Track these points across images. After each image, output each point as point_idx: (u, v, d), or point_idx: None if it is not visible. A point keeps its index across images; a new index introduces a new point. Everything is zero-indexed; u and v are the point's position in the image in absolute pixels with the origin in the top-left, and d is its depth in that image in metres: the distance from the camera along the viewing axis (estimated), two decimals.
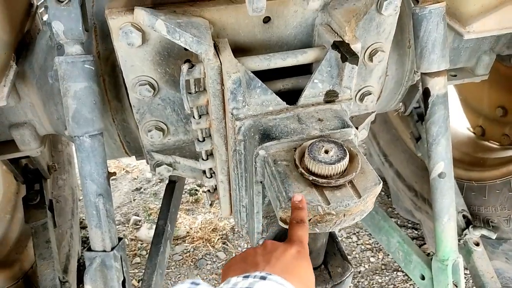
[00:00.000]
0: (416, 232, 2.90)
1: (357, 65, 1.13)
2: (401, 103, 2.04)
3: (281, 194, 0.96)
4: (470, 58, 1.92)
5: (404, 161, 2.69)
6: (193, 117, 1.24)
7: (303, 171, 0.96)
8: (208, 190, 1.57)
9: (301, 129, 1.08)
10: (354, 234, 2.85)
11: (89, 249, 1.31)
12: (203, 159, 1.40)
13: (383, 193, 3.15)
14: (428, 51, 1.42)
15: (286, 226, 0.99)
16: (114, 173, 1.34)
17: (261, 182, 1.13)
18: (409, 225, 2.92)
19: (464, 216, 2.05)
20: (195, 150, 1.37)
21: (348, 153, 0.98)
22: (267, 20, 1.26)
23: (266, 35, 1.29)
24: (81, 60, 1.15)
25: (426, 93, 1.50)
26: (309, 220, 0.95)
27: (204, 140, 1.33)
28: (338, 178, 0.95)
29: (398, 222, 2.94)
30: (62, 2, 1.11)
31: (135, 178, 3.15)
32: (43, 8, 2.10)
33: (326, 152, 0.97)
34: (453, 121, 2.74)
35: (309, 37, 1.34)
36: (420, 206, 2.58)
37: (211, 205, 1.58)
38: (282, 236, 1.36)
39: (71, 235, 2.25)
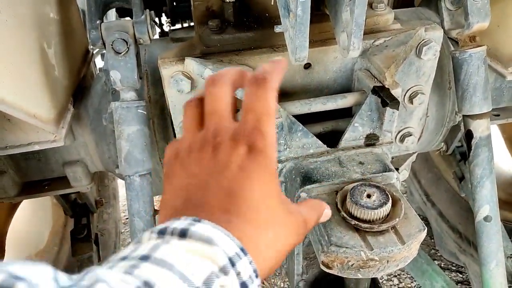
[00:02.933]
0: (461, 275, 2.75)
1: (397, 109, 1.15)
2: (442, 143, 2.02)
3: (323, 238, 0.97)
4: None
5: (447, 201, 2.61)
6: None
7: (345, 215, 0.97)
8: None
9: (342, 172, 1.10)
10: (395, 276, 2.74)
11: None
12: None
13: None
14: (469, 94, 1.42)
15: (328, 270, 0.99)
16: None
17: None
18: (453, 268, 2.79)
19: None
20: None
21: (390, 198, 0.98)
22: (307, 66, 1.31)
23: (307, 80, 1.34)
24: (135, 105, 1.24)
25: (469, 135, 1.49)
26: (352, 265, 0.95)
27: None
28: (381, 223, 0.95)
29: (442, 265, 2.81)
30: (120, 53, 1.21)
31: None
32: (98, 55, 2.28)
33: (368, 196, 0.98)
34: (498, 161, 2.65)
35: (348, 81, 1.38)
36: (465, 249, 2.47)
37: None
38: (323, 279, 1.35)
39: None
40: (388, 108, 1.14)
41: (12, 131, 1.41)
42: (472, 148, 1.49)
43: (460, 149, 2.32)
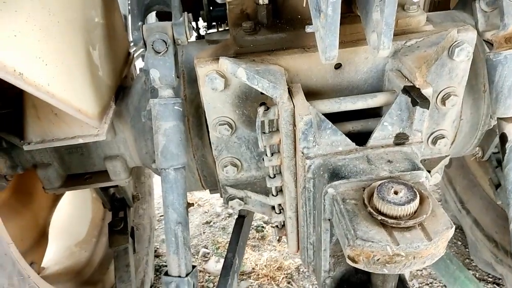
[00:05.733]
0: None
1: (428, 109, 1.15)
2: (478, 148, 1.98)
3: (349, 232, 1.00)
4: None
5: (483, 208, 2.53)
6: (266, 154, 1.33)
7: (371, 210, 0.99)
8: (277, 226, 1.63)
9: (370, 169, 1.12)
10: (427, 284, 2.68)
11: (166, 274, 1.41)
12: (273, 195, 1.47)
13: (459, 243, 2.95)
14: (504, 96, 1.39)
15: (354, 265, 1.01)
16: (192, 204, 1.46)
17: (329, 219, 1.17)
18: (490, 279, 2.69)
19: None
20: (266, 186, 1.45)
21: (418, 195, 0.99)
22: (338, 66, 1.34)
23: (337, 80, 1.37)
24: (172, 102, 1.31)
25: (503, 138, 1.46)
26: (378, 260, 0.96)
27: (275, 176, 1.41)
28: (408, 219, 0.96)
29: (477, 275, 2.72)
30: (159, 53, 1.29)
31: (206, 212, 3.30)
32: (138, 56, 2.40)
33: (396, 193, 0.99)
34: None
35: (379, 81, 1.39)
36: (502, 259, 2.39)
37: (278, 240, 1.63)
38: (350, 277, 1.36)
39: (147, 261, 2.41)
40: (418, 107, 1.14)
41: (58, 125, 1.52)
42: (507, 151, 1.46)
43: (497, 155, 2.25)
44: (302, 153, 1.19)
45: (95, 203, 2.35)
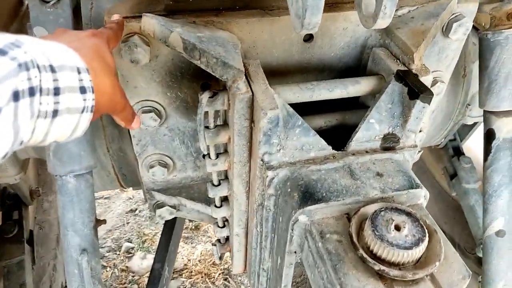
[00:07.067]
0: None
1: (429, 103, 0.86)
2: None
3: (332, 285, 0.69)
4: None
5: (432, 197, 2.40)
6: (209, 157, 0.97)
7: (364, 255, 0.69)
8: (218, 241, 1.29)
9: (356, 187, 0.81)
10: None
11: None
12: (216, 206, 1.12)
13: None
14: (498, 85, 1.16)
15: None
16: (104, 221, 1.07)
17: (295, 252, 0.86)
18: None
19: None
20: (206, 191, 1.10)
21: (427, 231, 0.71)
22: (308, 38, 1.00)
23: (305, 56, 1.03)
24: None
25: (490, 135, 1.24)
26: None
27: (219, 184, 1.06)
28: (415, 268, 0.68)
29: None
30: (48, 2, 0.85)
31: (130, 198, 2.87)
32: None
33: (397, 228, 0.70)
34: None
35: (356, 60, 1.08)
36: None
37: (220, 258, 1.30)
38: None
39: (54, 266, 1.96)
40: (418, 101, 0.85)
41: None
42: (492, 150, 1.25)
43: (453, 143, 2.12)
44: (262, 160, 0.85)
45: None
